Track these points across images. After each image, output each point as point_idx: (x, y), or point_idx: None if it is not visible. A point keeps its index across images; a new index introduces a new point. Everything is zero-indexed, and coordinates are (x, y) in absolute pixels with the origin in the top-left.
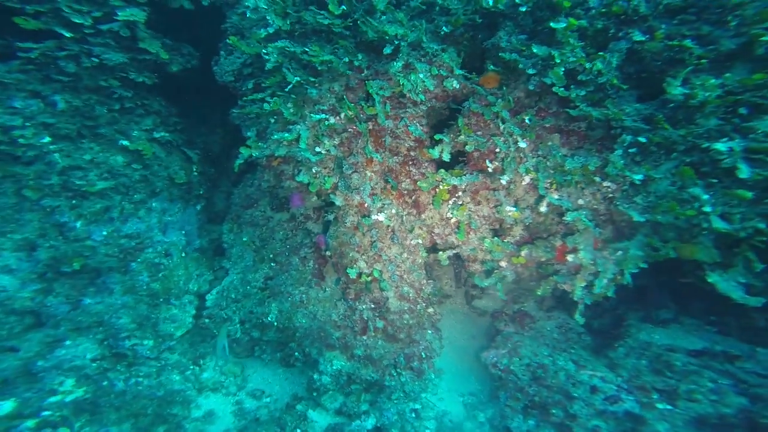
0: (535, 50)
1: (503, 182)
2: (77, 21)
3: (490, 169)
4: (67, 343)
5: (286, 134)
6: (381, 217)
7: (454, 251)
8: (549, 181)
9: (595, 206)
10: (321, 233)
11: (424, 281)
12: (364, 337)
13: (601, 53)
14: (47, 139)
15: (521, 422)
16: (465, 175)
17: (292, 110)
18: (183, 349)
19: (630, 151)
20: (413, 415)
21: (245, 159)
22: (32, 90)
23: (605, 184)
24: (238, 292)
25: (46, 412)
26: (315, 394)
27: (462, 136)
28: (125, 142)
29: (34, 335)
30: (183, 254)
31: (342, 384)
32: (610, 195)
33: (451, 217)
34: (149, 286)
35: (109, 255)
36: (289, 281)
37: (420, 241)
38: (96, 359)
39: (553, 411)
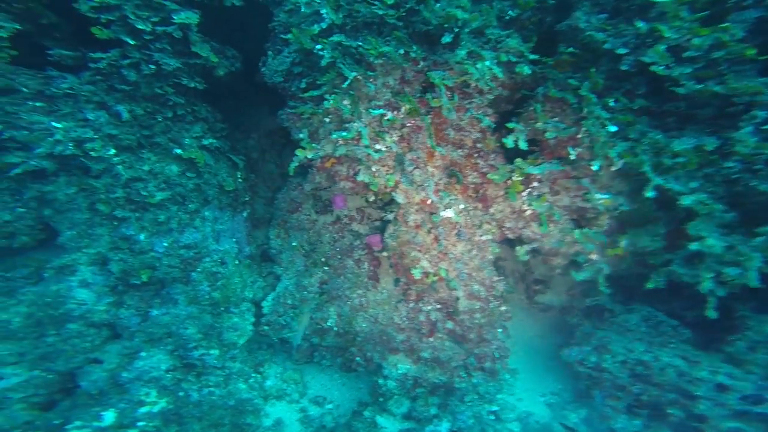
0: (639, 25)
1: (593, 169)
2: (140, 27)
3: (572, 156)
4: (143, 354)
5: (344, 133)
6: (449, 213)
7: (533, 245)
8: (654, 164)
9: (711, 189)
10: (369, 234)
11: (496, 278)
12: (431, 339)
13: (723, 25)
14: (112, 151)
15: (626, 422)
16: (543, 163)
17: (350, 107)
18: (243, 357)
19: (763, 128)
20: (492, 417)
21: (300, 161)
22: (99, 101)
23: (727, 164)
24: (294, 298)
25: (141, 423)
26: (381, 399)
27: (539, 123)
28: (179, 151)
29: (112, 347)
30: (237, 262)
31: (408, 388)
32: (734, 176)
33: (527, 209)
34: (210, 295)
35: (171, 266)
36: (346, 285)
37: (489, 237)
38: (170, 370)
39: (671, 411)
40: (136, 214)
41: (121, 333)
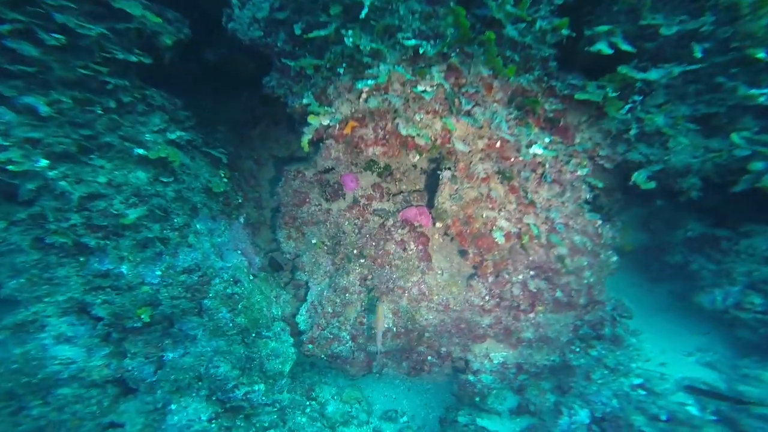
0: None
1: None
2: None
3: (698, 54)
4: (173, 407)
5: (370, 80)
6: (537, 150)
7: (653, 168)
8: None
9: None
10: (400, 209)
11: (599, 222)
12: (532, 315)
13: None
14: (43, 162)
15: None
16: (653, 68)
17: (374, 43)
18: (289, 385)
19: None
20: (643, 392)
21: (313, 133)
22: None
23: None
24: (335, 304)
25: None
26: (477, 399)
27: (645, 20)
28: (141, 151)
29: (128, 405)
30: (251, 277)
31: (510, 378)
32: None
33: (631, 129)
34: (234, 322)
35: (175, 297)
36: (395, 274)
37: (583, 172)
38: (213, 418)
39: None
40: (109, 242)
41: (136, 387)
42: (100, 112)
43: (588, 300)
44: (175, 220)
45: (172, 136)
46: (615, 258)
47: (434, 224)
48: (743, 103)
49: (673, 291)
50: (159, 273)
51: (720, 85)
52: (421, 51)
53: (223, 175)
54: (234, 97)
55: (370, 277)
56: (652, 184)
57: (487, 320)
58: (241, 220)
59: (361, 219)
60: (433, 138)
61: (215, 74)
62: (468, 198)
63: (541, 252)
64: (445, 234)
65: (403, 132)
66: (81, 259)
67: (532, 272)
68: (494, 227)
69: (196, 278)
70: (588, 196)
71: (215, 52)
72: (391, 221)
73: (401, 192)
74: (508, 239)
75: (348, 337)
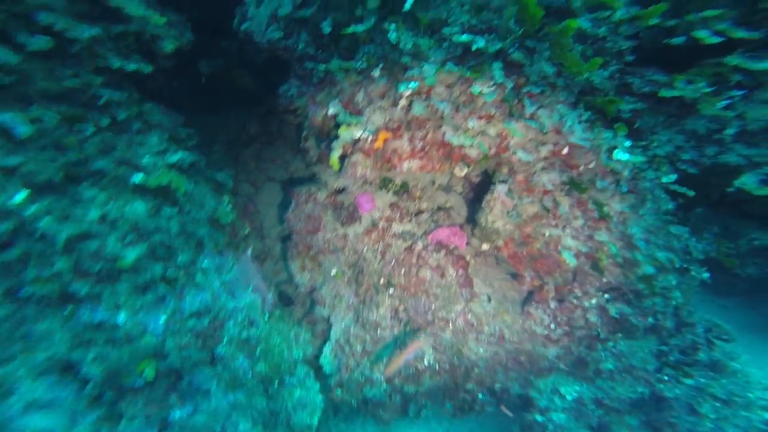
0: None
1: None
2: None
3: None
4: None
5: (413, 83)
6: (621, 155)
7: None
8: None
9: None
10: (429, 231)
11: (686, 234)
12: (611, 344)
13: None
14: (22, 194)
15: None
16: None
17: (415, 40)
18: None
19: None
20: None
21: (344, 147)
22: None
23: None
24: (364, 342)
25: None
26: None
27: None
28: (139, 178)
29: None
30: (266, 316)
31: (588, 414)
32: None
33: (728, 128)
34: (254, 370)
35: (183, 346)
36: (436, 304)
37: (669, 179)
38: None
39: None
40: (103, 288)
41: None
42: (91, 131)
43: (676, 322)
44: (180, 258)
45: (173, 159)
46: (705, 275)
47: (478, 245)
48: None
49: (756, 306)
50: (163, 320)
51: None
52: (474, 48)
53: (227, 201)
54: (226, 114)
55: (402, 308)
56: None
57: (554, 351)
58: (249, 252)
59: (382, 243)
60: (487, 147)
61: (208, 88)
62: (527, 215)
63: (617, 272)
64: (478, 254)
65: (454, 141)
66: (68, 309)
67: (606, 295)
68: (560, 247)
69: (207, 322)
70: (670, 207)
71: (210, 64)
72: (420, 245)
73: (421, 211)
74: (591, 258)
75: (382, 379)
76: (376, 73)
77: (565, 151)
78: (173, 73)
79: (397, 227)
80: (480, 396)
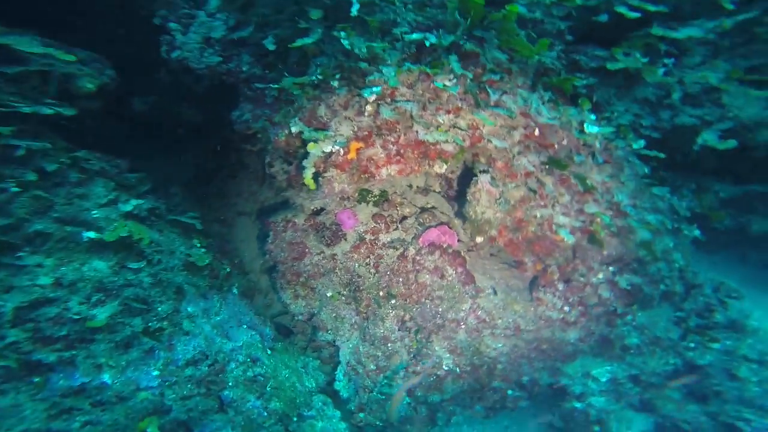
0: None
1: None
2: None
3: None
4: None
5: (375, 88)
6: (591, 128)
7: (729, 123)
8: None
9: None
10: (417, 235)
11: (667, 196)
12: (630, 317)
13: None
14: None
15: None
16: None
17: (369, 44)
18: None
19: None
20: None
21: (315, 164)
22: None
23: None
24: (376, 359)
25: None
26: (597, 428)
27: None
28: (91, 234)
29: None
30: (268, 351)
31: (629, 394)
32: None
33: (674, 93)
34: (268, 409)
35: (185, 397)
36: (443, 306)
37: (639, 144)
38: None
39: None
40: (76, 352)
41: None
42: (15, 189)
43: (685, 286)
44: (160, 309)
45: (127, 208)
46: (697, 232)
47: (471, 239)
48: None
49: (745, 258)
50: (156, 373)
51: (757, 36)
52: (427, 44)
53: (199, 244)
54: (177, 154)
55: (408, 317)
56: (733, 143)
57: (575, 334)
58: (235, 290)
59: (372, 256)
60: (462, 139)
61: (149, 129)
62: (514, 199)
63: (615, 242)
64: (472, 249)
65: (429, 138)
66: (36, 379)
67: (611, 268)
68: (554, 226)
69: (206, 368)
70: (647, 170)
71: (144, 100)
72: (412, 250)
73: (405, 217)
74: (591, 232)
75: (403, 393)
76: (335, 83)
77: (537, 132)
78: (103, 115)
79: (384, 237)
80: (510, 392)
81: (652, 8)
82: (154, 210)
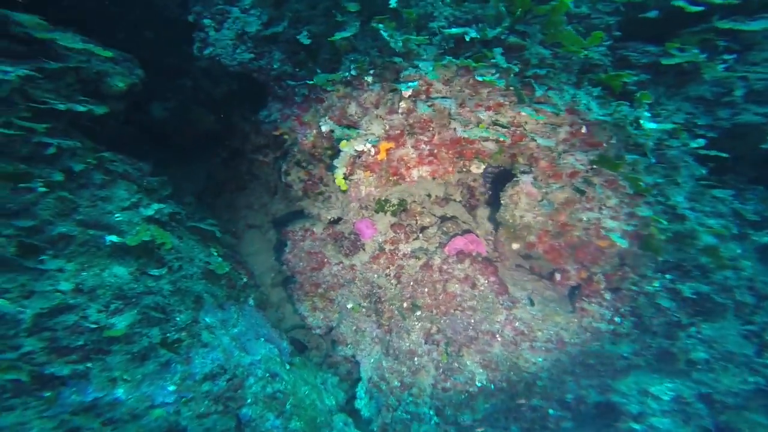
0: None
1: None
2: None
3: None
4: None
5: (412, 83)
6: (649, 125)
7: None
8: None
9: None
10: (442, 244)
11: (729, 199)
12: (693, 329)
13: None
14: None
15: None
16: None
17: (407, 37)
18: None
19: None
20: None
21: (347, 164)
22: None
23: None
24: (401, 375)
25: None
26: None
27: None
28: (114, 238)
29: None
30: (287, 366)
31: (698, 414)
32: None
33: (736, 90)
34: (288, 429)
35: (202, 415)
36: (475, 317)
37: (698, 143)
38: None
39: None
40: (91, 365)
41: None
42: (42, 189)
43: (755, 296)
44: (178, 319)
45: (149, 212)
46: (766, 238)
47: (506, 246)
48: None
49: None
50: (173, 388)
51: None
52: (467, 38)
53: (215, 252)
54: (189, 162)
55: (435, 330)
56: None
57: (628, 347)
58: (251, 302)
59: (393, 267)
60: (505, 135)
61: (164, 135)
62: (558, 202)
63: (671, 249)
64: (496, 261)
65: (469, 135)
66: (47, 394)
67: (668, 276)
68: (602, 230)
69: (225, 384)
70: (704, 172)
71: (165, 106)
72: (438, 259)
73: (425, 227)
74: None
75: (431, 413)
76: (369, 78)
77: (584, 130)
78: (124, 119)
79: (405, 247)
80: (551, 411)
81: (717, 1)
82: (175, 215)
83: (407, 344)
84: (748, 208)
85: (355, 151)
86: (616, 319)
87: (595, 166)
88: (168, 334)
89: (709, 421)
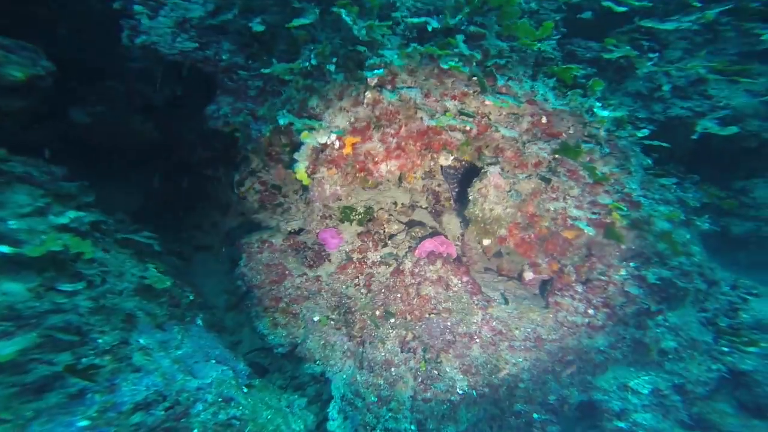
0: None
1: None
2: None
3: None
4: None
5: (378, 70)
6: (602, 113)
7: (724, 111)
8: None
9: None
10: (410, 248)
11: (674, 187)
12: (661, 317)
13: None
14: None
15: None
16: None
17: (371, 24)
18: None
19: None
20: None
21: (308, 158)
22: None
23: None
24: (378, 388)
25: None
26: None
27: None
28: (5, 249)
29: None
30: (244, 390)
31: (675, 407)
32: None
33: (663, 86)
34: None
35: None
36: (451, 320)
37: (643, 133)
38: None
39: None
40: None
41: None
42: None
43: (706, 282)
44: (101, 340)
45: (61, 220)
46: (707, 225)
47: (474, 245)
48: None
49: (733, 259)
50: (85, 423)
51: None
52: (429, 28)
53: (153, 268)
54: (125, 178)
55: (411, 336)
56: (735, 129)
57: (604, 340)
58: (200, 321)
59: (362, 276)
60: (472, 123)
61: (89, 144)
62: (525, 192)
63: (632, 236)
64: (459, 259)
65: (437, 124)
66: None
67: (632, 263)
68: (569, 219)
69: (163, 413)
70: (650, 162)
71: (87, 111)
72: (408, 263)
73: (392, 236)
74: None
75: (413, 428)
76: (332, 67)
77: (544, 120)
78: (31, 119)
79: (373, 255)
80: (535, 416)
81: (636, 3)
82: (99, 225)
83: (382, 354)
84: (689, 195)
85: (318, 143)
86: (590, 311)
87: (557, 156)
88: (83, 359)
89: (684, 414)
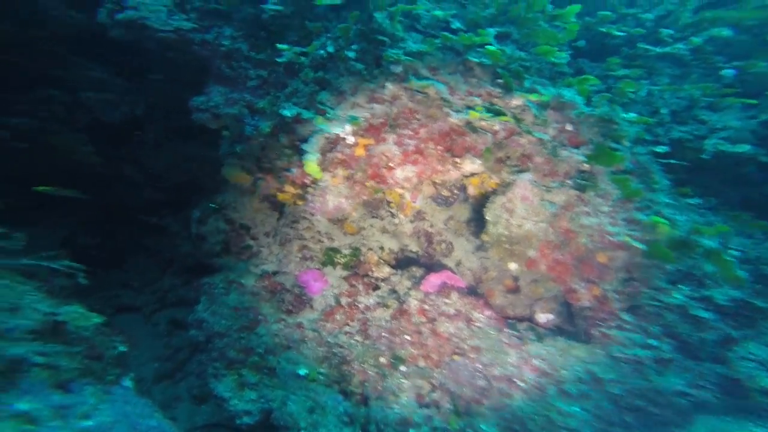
0: None
1: None
2: None
3: None
4: None
5: (398, 64)
6: (628, 116)
7: (723, 132)
8: None
9: None
10: (411, 286)
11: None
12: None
13: None
14: None
15: None
16: None
17: (392, 12)
18: None
19: None
20: None
21: (320, 149)
22: None
23: None
24: None
25: None
26: None
27: None
28: None
29: None
30: None
31: None
32: None
33: (662, 109)
34: None
35: None
36: (481, 360)
37: (662, 150)
38: None
39: None
40: None
41: None
42: None
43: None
44: None
45: None
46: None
47: (497, 270)
48: None
49: None
50: None
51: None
52: (453, 26)
53: (74, 307)
54: (47, 217)
55: (430, 386)
56: (746, 147)
57: (678, 377)
58: (128, 382)
59: (354, 322)
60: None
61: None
62: (560, 203)
63: (674, 255)
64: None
65: (466, 118)
66: None
67: (683, 286)
68: (607, 236)
69: None
70: (667, 182)
71: (8, 123)
72: (414, 301)
73: (384, 279)
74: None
75: None
76: (352, 54)
77: (569, 127)
78: None
79: (366, 300)
80: None
81: (634, 31)
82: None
83: (398, 411)
84: (714, 219)
85: (332, 133)
86: (651, 341)
87: (588, 164)
88: None
89: None
